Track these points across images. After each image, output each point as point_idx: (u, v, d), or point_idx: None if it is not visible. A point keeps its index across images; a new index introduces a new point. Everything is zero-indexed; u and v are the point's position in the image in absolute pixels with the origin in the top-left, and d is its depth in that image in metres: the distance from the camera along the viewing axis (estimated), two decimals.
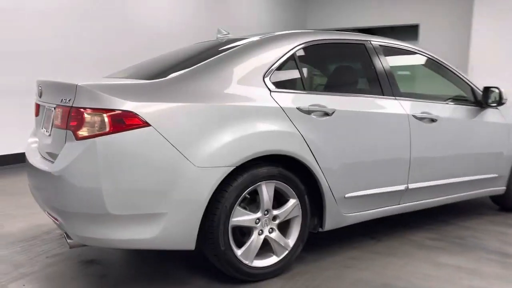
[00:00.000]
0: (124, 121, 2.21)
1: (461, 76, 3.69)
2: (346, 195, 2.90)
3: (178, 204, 2.29)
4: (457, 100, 3.62)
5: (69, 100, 2.29)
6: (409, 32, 10.91)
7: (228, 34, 3.39)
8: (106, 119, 2.19)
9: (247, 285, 2.59)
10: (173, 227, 2.30)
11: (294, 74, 2.83)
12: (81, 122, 2.21)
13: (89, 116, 2.21)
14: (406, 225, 3.69)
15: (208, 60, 2.63)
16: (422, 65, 3.65)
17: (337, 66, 3.31)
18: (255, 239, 2.58)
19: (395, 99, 3.18)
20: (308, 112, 2.71)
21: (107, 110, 2.21)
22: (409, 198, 3.28)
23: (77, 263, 2.86)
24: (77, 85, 2.26)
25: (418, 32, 10.53)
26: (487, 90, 3.60)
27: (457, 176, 3.53)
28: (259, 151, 2.49)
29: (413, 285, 2.62)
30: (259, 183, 2.54)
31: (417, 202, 3.35)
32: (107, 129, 2.18)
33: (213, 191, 2.36)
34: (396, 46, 3.42)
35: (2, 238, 3.27)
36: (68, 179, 2.17)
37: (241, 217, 2.51)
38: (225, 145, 2.39)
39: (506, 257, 3.08)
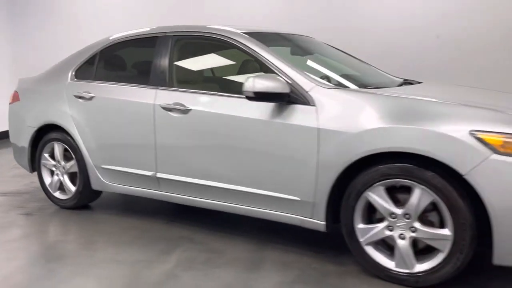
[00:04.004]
0: (16, 96, 4.31)
1: (272, 67, 2.88)
2: (103, 166, 3.59)
3: (21, 145, 4.16)
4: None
5: None
6: None
7: None
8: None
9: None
10: (21, 154, 4.19)
11: (91, 68, 3.78)
12: None
13: None
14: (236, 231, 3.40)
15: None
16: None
17: (118, 59, 3.67)
18: (54, 178, 3.97)
19: (156, 88, 3.29)
20: (79, 97, 3.69)
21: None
22: (170, 188, 3.28)
23: None
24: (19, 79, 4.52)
25: None
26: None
27: (226, 181, 2.99)
28: (44, 121, 3.90)
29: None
30: (52, 142, 3.91)
31: (180, 196, 3.24)
32: (11, 100, 4.35)
33: (29, 141, 4.03)
34: (202, 34, 3.29)
35: None
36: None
37: (45, 161, 4.00)
38: (35, 115, 4.00)
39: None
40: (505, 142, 2.16)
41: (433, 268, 2.36)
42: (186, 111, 3.10)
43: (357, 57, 3.96)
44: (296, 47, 3.68)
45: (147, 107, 3.28)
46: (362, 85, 3.04)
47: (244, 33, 3.15)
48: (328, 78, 3.18)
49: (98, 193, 3.91)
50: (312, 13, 5.81)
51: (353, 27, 5.57)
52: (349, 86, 2.98)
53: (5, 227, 3.52)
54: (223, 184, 3.01)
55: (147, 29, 3.60)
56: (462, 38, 5.09)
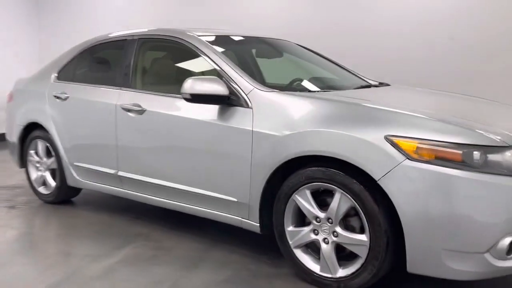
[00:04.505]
0: (11, 96, 4.57)
1: (217, 69, 2.92)
2: (75, 163, 3.75)
3: (12, 141, 4.41)
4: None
5: None
6: None
7: None
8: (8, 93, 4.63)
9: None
10: (13, 151, 4.44)
11: (71, 69, 3.96)
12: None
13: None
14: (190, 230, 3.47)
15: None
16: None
17: (94, 61, 3.81)
18: (38, 174, 4.18)
19: (120, 89, 3.41)
20: (57, 97, 3.88)
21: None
22: (131, 186, 3.39)
23: None
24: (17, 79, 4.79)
25: None
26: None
27: (175, 180, 3.06)
28: (29, 120, 4.12)
29: None
30: (36, 140, 4.13)
31: (139, 194, 3.34)
32: (8, 99, 4.63)
33: (18, 138, 4.27)
34: (160, 37, 3.39)
35: None
36: None
37: (31, 157, 4.22)
38: (23, 114, 4.23)
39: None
40: (418, 147, 2.10)
41: (353, 273, 2.33)
42: (141, 111, 3.20)
43: (344, 59, 4.00)
44: (264, 49, 3.71)
45: (111, 107, 3.41)
46: (326, 87, 3.09)
47: (200, 35, 3.21)
48: (294, 81, 3.22)
49: (77, 189, 4.07)
50: (315, 14, 5.78)
51: (357, 28, 5.49)
52: (311, 89, 3.02)
53: None
54: (175, 184, 3.08)
55: (122, 32, 3.73)
56: (476, 40, 4.89)
